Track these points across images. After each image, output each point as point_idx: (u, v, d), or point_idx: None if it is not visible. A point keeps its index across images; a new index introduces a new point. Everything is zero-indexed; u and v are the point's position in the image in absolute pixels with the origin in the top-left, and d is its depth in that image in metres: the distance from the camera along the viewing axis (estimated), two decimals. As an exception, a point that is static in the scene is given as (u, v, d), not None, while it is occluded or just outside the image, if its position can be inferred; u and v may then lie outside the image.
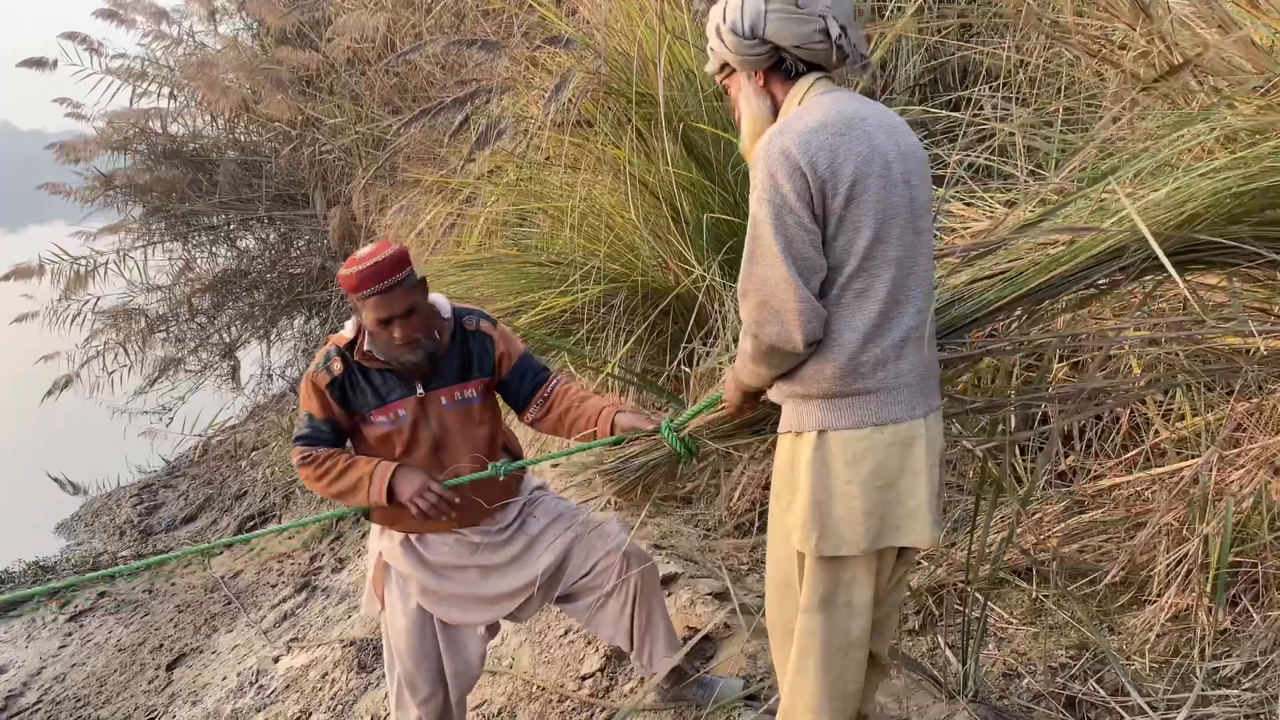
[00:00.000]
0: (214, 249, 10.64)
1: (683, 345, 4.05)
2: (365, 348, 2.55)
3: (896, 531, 1.93)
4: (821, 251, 1.86)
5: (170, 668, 5.52)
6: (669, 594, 3.46)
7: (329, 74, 8.26)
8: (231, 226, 10.51)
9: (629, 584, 2.71)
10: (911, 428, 1.92)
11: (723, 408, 2.26)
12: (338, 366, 2.54)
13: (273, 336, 10.82)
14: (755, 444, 2.41)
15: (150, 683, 5.42)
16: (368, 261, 2.42)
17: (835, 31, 1.91)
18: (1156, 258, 2.33)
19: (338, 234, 8.67)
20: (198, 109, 9.98)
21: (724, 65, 2.03)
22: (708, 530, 4.10)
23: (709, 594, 3.37)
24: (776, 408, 2.07)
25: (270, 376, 10.81)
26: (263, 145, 9.95)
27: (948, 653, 2.93)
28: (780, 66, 1.96)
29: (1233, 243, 2.24)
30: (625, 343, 4.35)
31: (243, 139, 10.30)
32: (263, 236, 10.70)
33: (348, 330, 2.60)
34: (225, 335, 10.58)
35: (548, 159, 4.56)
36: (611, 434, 2.51)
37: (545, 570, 2.70)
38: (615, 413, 2.55)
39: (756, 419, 2.30)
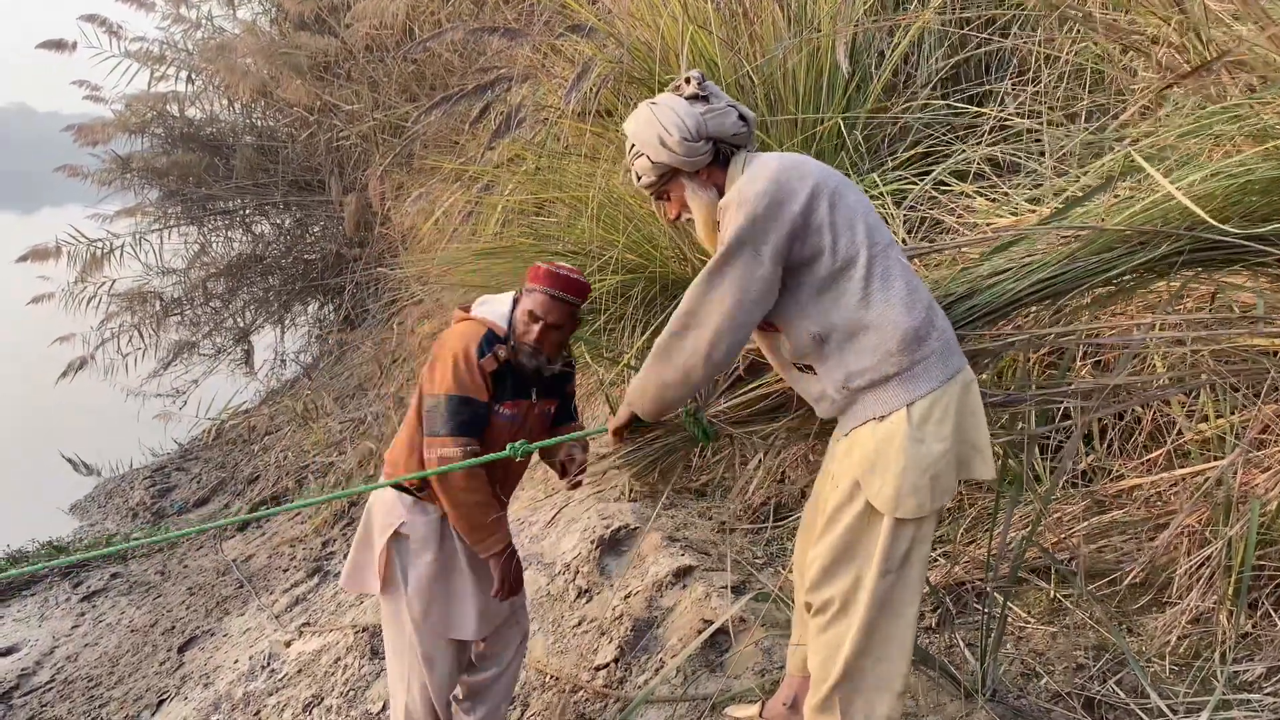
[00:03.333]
0: (229, 233, 10.67)
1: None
2: (513, 341, 2.63)
3: (966, 468, 2.12)
4: (768, 300, 2.09)
5: (182, 649, 5.54)
6: (684, 586, 3.45)
7: (347, 60, 8.24)
8: (247, 211, 10.54)
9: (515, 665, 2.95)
10: (965, 371, 2.13)
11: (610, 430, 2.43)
12: (503, 353, 2.59)
13: (286, 322, 10.85)
14: (772, 431, 2.42)
15: (162, 664, 5.44)
16: (572, 273, 2.63)
17: (747, 114, 2.25)
18: (1182, 253, 2.31)
19: (353, 220, 8.68)
20: (215, 93, 9.99)
21: (663, 175, 2.24)
22: (722, 523, 4.09)
23: (723, 587, 3.36)
24: (790, 396, 2.20)
25: (283, 361, 10.84)
26: (279, 130, 9.96)
27: (965, 651, 2.92)
28: (718, 158, 2.24)
29: (1256, 244, 2.22)
30: (642, 334, 4.34)
31: (260, 124, 10.31)
32: (278, 222, 10.73)
33: (495, 318, 2.65)
34: (239, 320, 10.61)
35: (567, 148, 4.54)
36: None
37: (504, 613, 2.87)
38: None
39: (771, 406, 2.35)
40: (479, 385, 2.57)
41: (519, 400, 2.66)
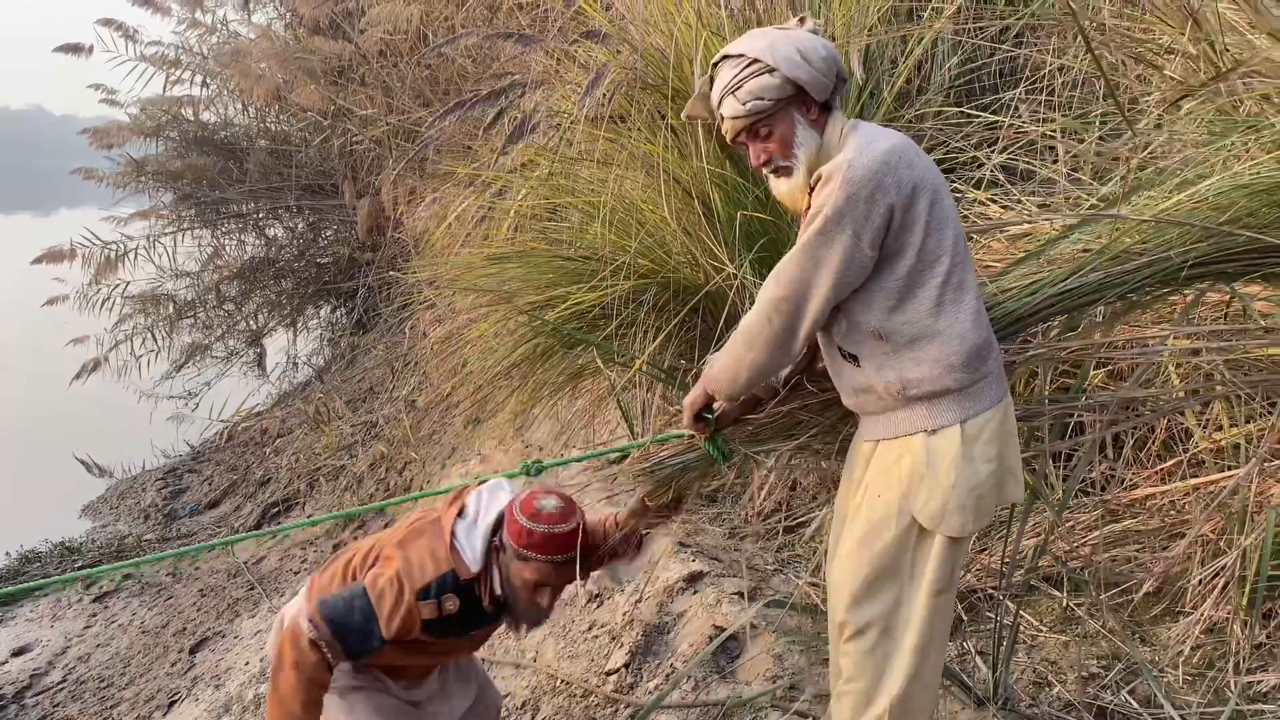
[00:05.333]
0: (243, 236, 10.73)
1: (712, 343, 4.03)
2: (496, 592, 2.35)
3: (1002, 490, 2.08)
4: (858, 284, 2.01)
5: (193, 651, 5.57)
6: (695, 592, 3.45)
7: (361, 65, 8.29)
8: (260, 215, 10.59)
9: None
10: (1008, 395, 2.11)
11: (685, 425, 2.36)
12: (452, 606, 2.31)
13: (299, 325, 10.90)
14: (789, 450, 2.40)
15: (173, 665, 5.46)
16: (558, 526, 2.28)
17: (844, 73, 2.08)
18: (1199, 265, 2.31)
19: (366, 224, 8.71)
20: (230, 97, 10.05)
21: (783, 99, 2.03)
22: (733, 529, 4.09)
23: (735, 593, 3.36)
24: (813, 409, 2.15)
25: (295, 365, 10.89)
26: (293, 134, 10.01)
27: (977, 659, 2.91)
28: (827, 102, 2.07)
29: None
30: (654, 339, 4.33)
31: (274, 128, 10.37)
32: (291, 225, 10.78)
33: (468, 558, 2.33)
34: (252, 322, 10.66)
35: (580, 154, 4.55)
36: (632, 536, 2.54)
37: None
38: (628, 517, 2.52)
39: (790, 423, 2.32)
40: (394, 620, 2.27)
41: (447, 640, 2.41)
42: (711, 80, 2.13)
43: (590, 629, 3.60)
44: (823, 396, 2.29)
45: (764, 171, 2.13)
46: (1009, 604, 2.87)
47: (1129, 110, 2.88)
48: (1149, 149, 2.60)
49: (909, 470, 2.03)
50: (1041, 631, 3.03)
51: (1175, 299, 2.57)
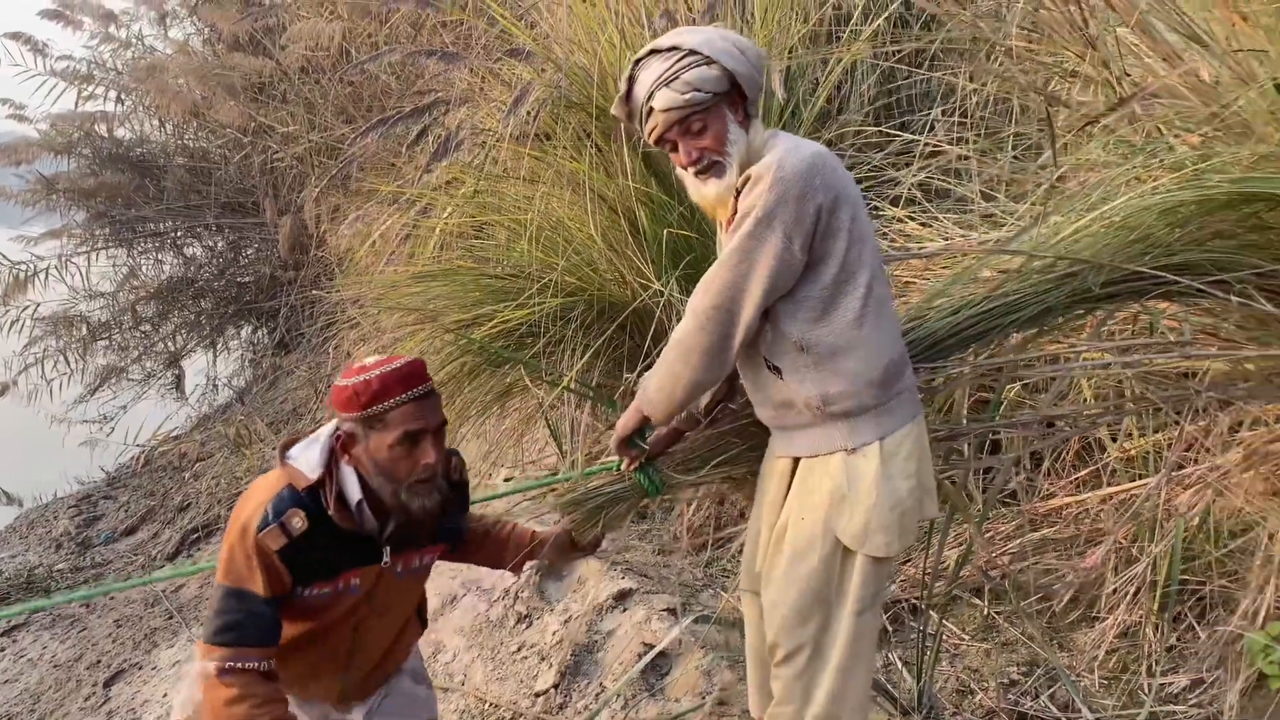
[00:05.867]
0: (160, 256, 10.43)
1: (640, 360, 4.04)
2: (352, 495, 1.96)
3: (922, 508, 2.09)
4: (788, 288, 1.98)
5: (108, 684, 5.37)
6: (624, 610, 3.45)
7: (282, 81, 8.15)
8: (179, 233, 10.31)
9: None
10: (921, 411, 2.11)
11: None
12: (299, 522, 1.93)
13: (219, 346, 10.62)
14: (723, 477, 2.40)
15: (87, 699, 5.26)
16: (392, 364, 1.94)
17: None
18: (1109, 284, 2.39)
19: (288, 243, 8.55)
20: (145, 113, 9.80)
21: (720, 94, 1.97)
22: (663, 545, 4.09)
23: (664, 610, 3.36)
24: (739, 434, 2.16)
25: (216, 387, 10.61)
26: (212, 152, 9.79)
27: (902, 669, 2.95)
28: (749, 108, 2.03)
29: (1169, 276, 2.31)
30: (582, 356, 4.33)
31: (192, 145, 10.12)
32: (211, 244, 10.51)
33: (304, 467, 1.97)
34: (170, 344, 10.36)
35: (506, 172, 4.54)
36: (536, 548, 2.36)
37: None
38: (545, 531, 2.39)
39: (718, 449, 2.32)
40: (253, 572, 1.92)
41: (358, 569, 2.03)
42: (631, 80, 2.06)
43: (519, 650, 3.56)
44: (747, 420, 2.30)
45: (691, 172, 2.04)
46: (933, 614, 2.92)
47: (1038, 133, 2.97)
48: (1059, 171, 2.69)
49: (830, 491, 2.03)
50: (964, 640, 3.09)
51: (1088, 317, 2.65)
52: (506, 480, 4.95)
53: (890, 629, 3.15)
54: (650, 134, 2.05)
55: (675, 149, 2.05)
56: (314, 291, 8.41)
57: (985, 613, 3.14)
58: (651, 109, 2.01)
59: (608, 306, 4.39)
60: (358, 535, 2.01)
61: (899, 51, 4.14)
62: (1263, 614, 2.57)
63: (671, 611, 3.35)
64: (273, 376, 9.74)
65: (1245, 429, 2.82)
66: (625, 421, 2.20)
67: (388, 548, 2.06)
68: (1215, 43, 2.58)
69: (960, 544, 3.22)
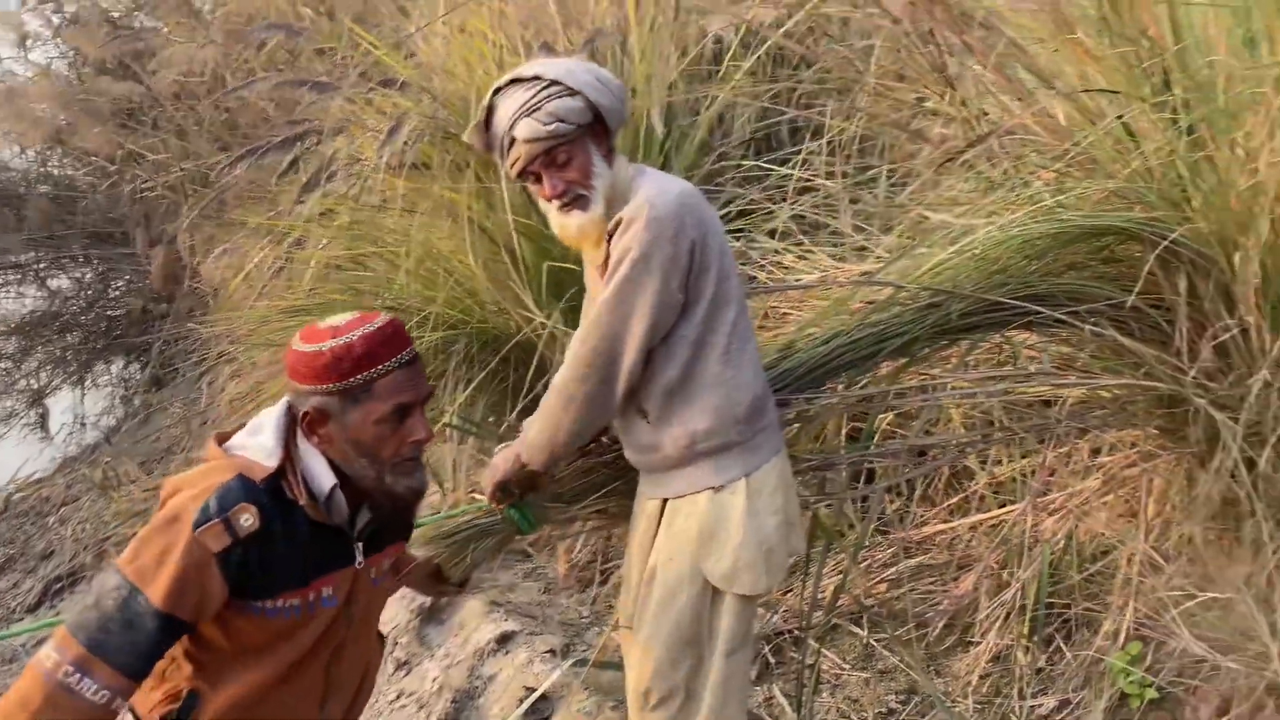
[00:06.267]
0: (21, 289, 9.89)
1: (522, 394, 3.99)
2: (323, 483, 1.66)
3: (789, 543, 2.08)
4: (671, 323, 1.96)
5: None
6: (506, 653, 3.36)
7: (153, 107, 7.86)
8: (42, 265, 9.80)
9: None
10: (784, 445, 2.12)
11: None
12: (249, 520, 1.58)
13: (87, 383, 10.11)
14: (591, 511, 2.37)
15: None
16: (371, 323, 1.66)
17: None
18: (971, 316, 2.45)
19: (161, 274, 8.22)
20: (3, 140, 9.31)
21: (583, 126, 1.95)
22: (548, 583, 4.02)
23: (547, 651, 3.29)
24: (612, 469, 2.14)
25: (83, 425, 10.08)
26: (78, 180, 9.36)
27: (784, 702, 2.95)
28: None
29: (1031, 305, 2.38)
30: (464, 390, 4.25)
31: (56, 173, 9.66)
32: (78, 276, 10.01)
33: (257, 455, 1.65)
34: (33, 381, 9.81)
35: (384, 202, 4.44)
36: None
37: None
38: None
39: (591, 484, 2.29)
40: (163, 574, 1.55)
41: (334, 573, 1.72)
42: (490, 109, 2.00)
43: (398, 698, 3.44)
44: (618, 453, 2.27)
45: (555, 206, 1.99)
46: (812, 644, 2.93)
47: (903, 168, 3.06)
48: (923, 205, 2.76)
49: (698, 531, 2.01)
50: (845, 670, 3.11)
51: (953, 348, 2.71)
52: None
53: (772, 661, 3.14)
54: (512, 165, 2.00)
55: (538, 180, 2.00)
56: (189, 325, 8.09)
57: (865, 641, 3.17)
58: (514, 139, 1.96)
59: (491, 339, 4.32)
60: (325, 533, 1.69)
61: (773, 89, 4.21)
62: (1123, 634, 2.65)
63: (555, 653, 3.29)
64: (145, 414, 9.31)
65: (1104, 454, 2.92)
66: (502, 465, 2.13)
67: (359, 545, 1.75)
68: (1066, 83, 2.70)
69: (840, 573, 3.24)
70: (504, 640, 3.40)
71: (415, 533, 2.14)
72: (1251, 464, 2.42)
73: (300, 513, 1.67)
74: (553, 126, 1.92)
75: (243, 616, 1.65)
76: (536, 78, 1.96)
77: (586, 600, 3.80)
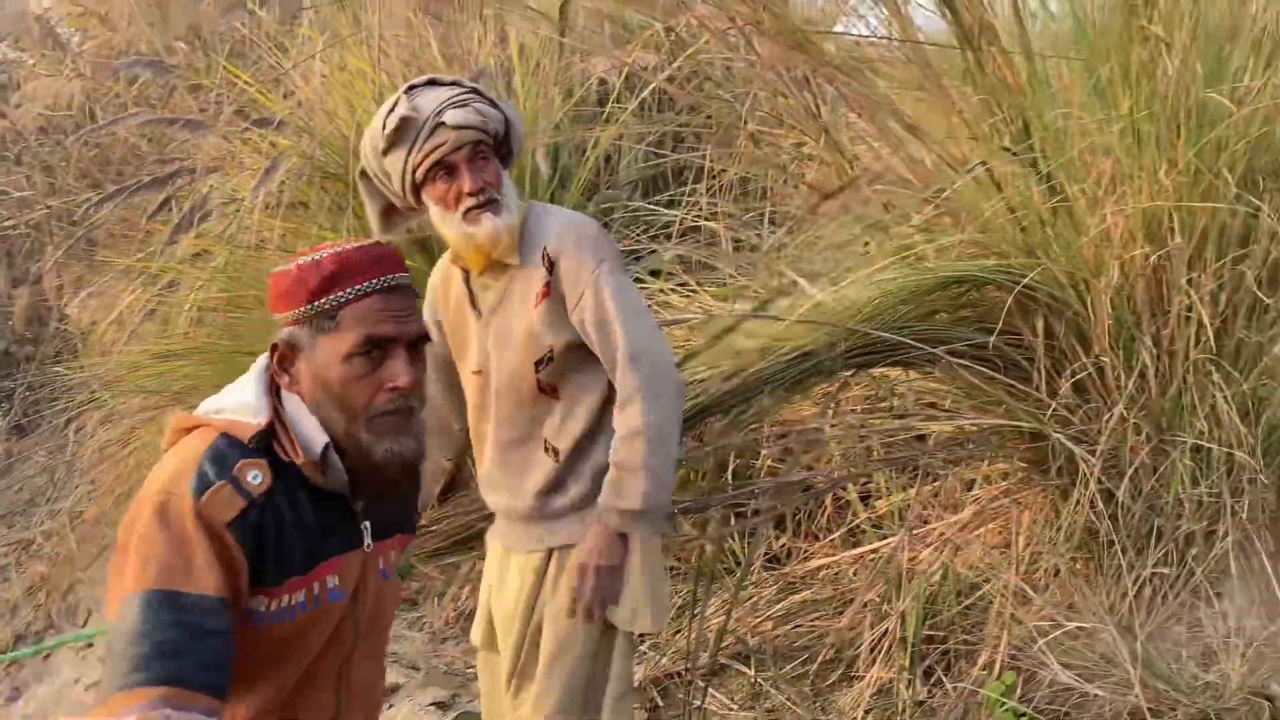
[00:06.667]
0: None
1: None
2: (314, 438, 1.35)
3: (666, 583, 2.19)
4: None
5: None
6: (390, 706, 3.26)
7: (16, 142, 7.52)
8: (-108, 305, 9.22)
9: None
10: None
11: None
12: (259, 476, 1.32)
13: (-58, 432, 9.52)
14: (470, 560, 2.33)
15: None
16: (350, 242, 1.41)
17: None
18: (846, 355, 2.51)
19: (24, 316, 7.84)
20: None
21: (493, 138, 1.94)
22: (435, 631, 3.92)
23: (432, 704, 3.21)
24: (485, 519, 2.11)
25: (-64, 478, 9.47)
26: (-66, 217, 8.86)
27: (672, 746, 2.93)
28: None
29: (912, 340, 2.46)
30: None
31: (-92, 209, 9.13)
32: (-68, 317, 9.46)
33: (240, 414, 1.37)
34: (-120, 430, 9.19)
35: (260, 243, 4.32)
36: None
37: None
38: None
39: (469, 535, 2.25)
40: (196, 557, 1.24)
41: (341, 556, 1.42)
42: (395, 105, 1.92)
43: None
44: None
45: (463, 209, 1.90)
46: (699, 684, 2.92)
47: (781, 211, 3.14)
48: (799, 248, 2.83)
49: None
50: (732, 710, 3.10)
51: (829, 386, 2.77)
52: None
53: (660, 703, 3.12)
54: (431, 153, 1.89)
55: (450, 177, 1.92)
56: (55, 369, 7.70)
57: (752, 680, 3.17)
58: (441, 124, 1.88)
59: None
60: (327, 505, 1.39)
61: (658, 132, 4.28)
62: (998, 665, 2.72)
63: (440, 705, 3.21)
64: (7, 463, 8.80)
65: (976, 488, 3.01)
66: (610, 554, 1.95)
67: (367, 525, 1.45)
68: (933, 132, 2.81)
69: (726, 612, 3.25)
70: (388, 694, 3.29)
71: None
72: (1110, 495, 2.53)
73: (297, 477, 1.36)
74: (481, 121, 1.91)
75: (242, 628, 1.31)
76: (456, 82, 1.96)
77: (473, 649, 3.72)
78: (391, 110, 1.93)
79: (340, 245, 1.39)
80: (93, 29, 7.00)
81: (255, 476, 1.31)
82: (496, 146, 1.97)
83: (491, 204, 1.92)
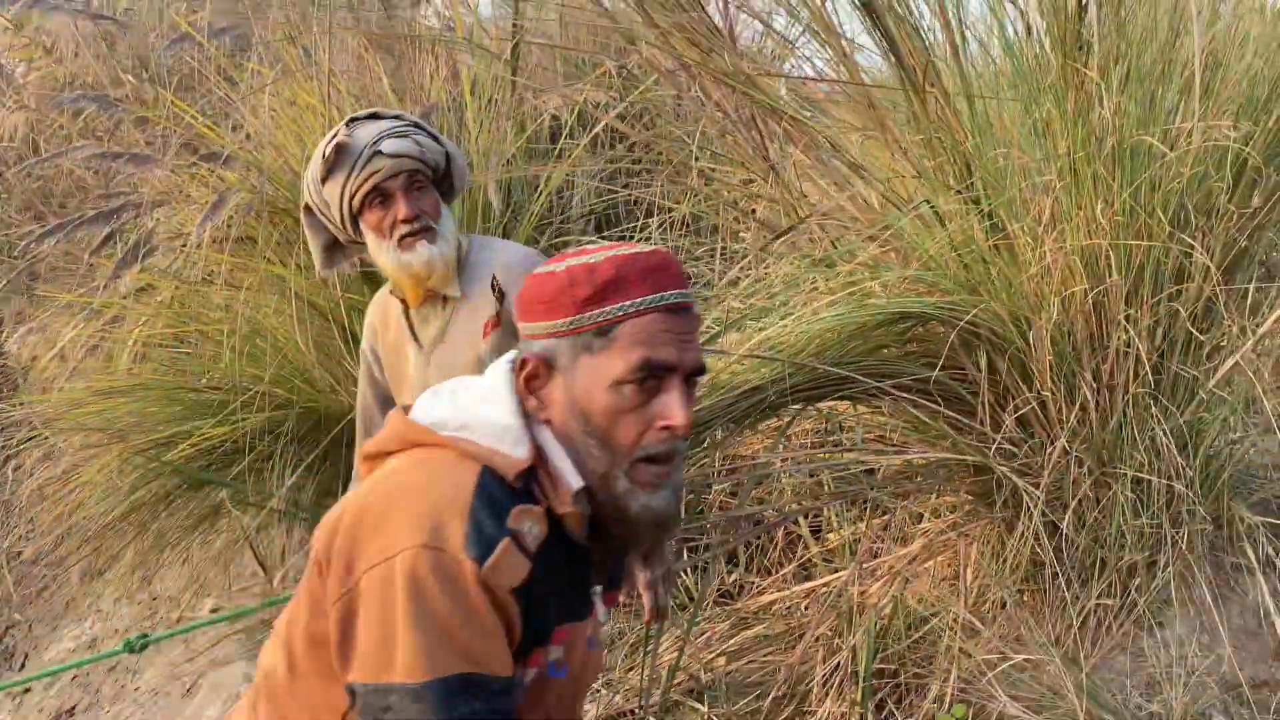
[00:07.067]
0: None
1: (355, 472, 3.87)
2: (570, 480, 1.14)
3: None
4: None
5: None
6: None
7: (-43, 173, 7.37)
8: None
9: None
10: None
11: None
12: (534, 526, 1.11)
13: (-124, 470, 9.22)
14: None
15: None
16: (628, 249, 1.18)
17: None
18: (794, 390, 2.53)
19: (-38, 351, 7.62)
20: None
21: (433, 171, 1.99)
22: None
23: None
24: None
25: None
26: None
27: (625, 786, 2.90)
28: None
29: (861, 375, 2.49)
30: (294, 473, 4.08)
31: None
32: None
33: (500, 439, 1.14)
34: None
35: (207, 278, 4.28)
36: None
37: None
38: None
39: None
40: (488, 630, 1.06)
41: (573, 624, 1.22)
42: (335, 136, 1.93)
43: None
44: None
45: (397, 236, 1.91)
46: (652, 724, 2.91)
47: (730, 248, 3.18)
48: (748, 284, 2.86)
49: None
50: (686, 748, 3.09)
51: (779, 420, 2.79)
52: (213, 611, 4.56)
53: (614, 743, 3.10)
54: (367, 179, 1.91)
55: (384, 205, 1.93)
56: (-7, 406, 7.51)
57: (706, 717, 3.16)
58: (378, 152, 1.91)
59: (322, 418, 4.19)
60: (576, 562, 1.18)
61: (609, 169, 4.31)
62: (949, 698, 2.73)
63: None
64: (-59, 504, 8.53)
65: (925, 520, 3.04)
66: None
67: (598, 588, 1.24)
68: (878, 171, 2.87)
69: (679, 649, 3.24)
70: None
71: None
72: (1055, 528, 2.57)
73: (555, 527, 1.15)
74: (420, 152, 1.95)
75: None
76: (399, 116, 2.00)
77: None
78: (332, 139, 1.95)
79: (615, 248, 1.17)
80: (37, 60, 6.91)
81: (532, 528, 1.11)
82: (437, 181, 2.01)
83: (427, 231, 1.94)
